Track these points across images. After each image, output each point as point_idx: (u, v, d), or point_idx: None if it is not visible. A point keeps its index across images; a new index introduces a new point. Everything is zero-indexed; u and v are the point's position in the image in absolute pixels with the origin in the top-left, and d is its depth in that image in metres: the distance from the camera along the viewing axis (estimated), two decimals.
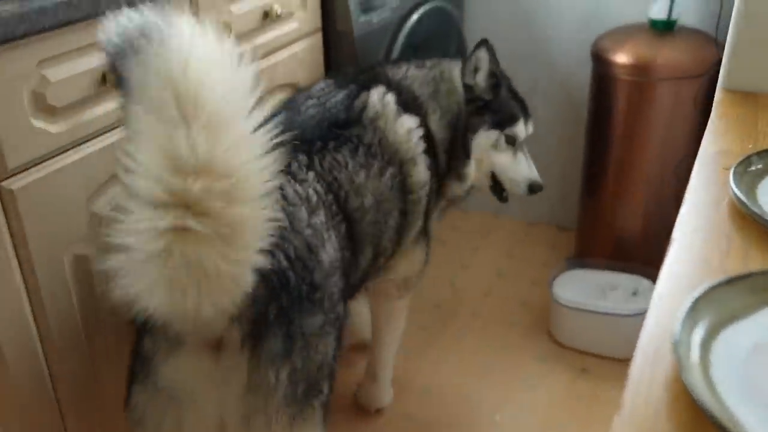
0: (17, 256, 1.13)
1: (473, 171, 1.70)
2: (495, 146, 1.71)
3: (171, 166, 0.88)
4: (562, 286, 2.13)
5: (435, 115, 1.63)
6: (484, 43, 1.67)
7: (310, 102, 1.48)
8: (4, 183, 1.10)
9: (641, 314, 2.01)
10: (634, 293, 2.08)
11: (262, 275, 1.01)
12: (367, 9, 1.92)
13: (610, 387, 1.94)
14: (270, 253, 1.00)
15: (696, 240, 0.85)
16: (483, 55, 1.66)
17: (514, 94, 1.74)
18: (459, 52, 2.34)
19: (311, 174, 1.29)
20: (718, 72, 1.95)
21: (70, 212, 1.21)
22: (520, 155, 1.75)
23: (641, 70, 2.02)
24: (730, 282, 0.73)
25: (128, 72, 0.90)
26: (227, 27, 1.54)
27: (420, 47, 2.08)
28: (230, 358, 1.07)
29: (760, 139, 1.06)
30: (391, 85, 1.55)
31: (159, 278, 0.91)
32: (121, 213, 0.91)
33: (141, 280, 0.92)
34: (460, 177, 1.69)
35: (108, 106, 1.24)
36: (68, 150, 1.20)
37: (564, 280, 2.17)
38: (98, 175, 1.24)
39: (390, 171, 1.47)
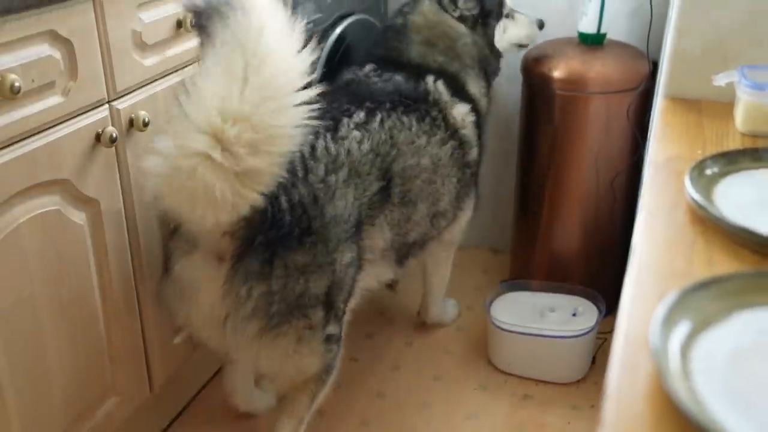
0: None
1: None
2: (504, 30, 2.01)
3: (219, 108, 1.19)
4: (499, 310, 2.14)
5: (472, 80, 1.94)
6: None
7: (375, 79, 1.81)
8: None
9: (581, 335, 2.05)
10: (574, 314, 2.12)
11: (259, 210, 1.32)
12: None
13: (554, 412, 1.96)
14: (275, 195, 1.33)
15: (658, 247, 0.86)
16: None
17: None
18: None
19: (356, 133, 1.58)
20: (650, 85, 2.07)
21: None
22: (517, 15, 2.05)
23: (573, 84, 2.07)
24: (701, 287, 0.74)
25: (210, 29, 1.21)
26: (136, 36, 1.49)
27: (343, 60, 2.08)
28: (222, 268, 1.39)
29: (709, 144, 1.09)
30: (433, 71, 1.86)
31: (179, 187, 1.24)
32: (169, 125, 1.25)
33: (165, 184, 1.25)
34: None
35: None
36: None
37: (501, 304, 2.18)
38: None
39: (451, 143, 1.80)
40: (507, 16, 2.04)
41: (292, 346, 1.46)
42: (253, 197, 1.27)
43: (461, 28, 1.95)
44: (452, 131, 1.82)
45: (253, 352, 1.46)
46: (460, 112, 1.87)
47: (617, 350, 0.70)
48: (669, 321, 0.69)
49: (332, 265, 1.48)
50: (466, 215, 2.01)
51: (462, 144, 1.86)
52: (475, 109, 1.92)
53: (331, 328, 1.52)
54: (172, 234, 1.50)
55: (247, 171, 1.23)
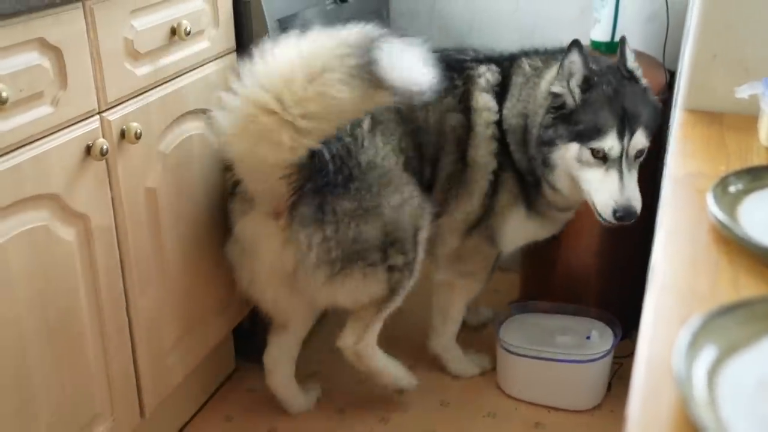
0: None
1: (563, 182, 1.83)
2: (579, 160, 1.76)
3: (286, 78, 1.54)
4: (509, 333, 2.14)
5: (510, 101, 1.89)
6: (575, 44, 1.73)
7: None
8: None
9: (596, 360, 2.05)
10: (588, 337, 2.11)
11: (307, 160, 1.61)
12: (286, 27, 1.90)
13: None
14: (321, 149, 1.64)
15: (680, 267, 0.86)
16: (575, 58, 1.74)
17: (614, 101, 1.73)
18: None
19: None
20: (667, 96, 2.07)
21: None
22: (613, 173, 1.73)
23: None
24: (727, 311, 0.73)
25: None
26: (128, 44, 1.50)
27: None
28: (279, 223, 1.69)
29: (732, 160, 1.09)
30: (502, 66, 1.93)
31: (244, 132, 1.56)
32: (236, 83, 1.57)
33: (231, 130, 1.58)
34: (548, 184, 1.87)
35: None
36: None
37: (511, 327, 2.17)
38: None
39: (458, 118, 1.90)
40: (599, 157, 1.76)
41: (359, 283, 1.77)
42: (309, 144, 1.58)
43: (545, 88, 1.88)
44: (467, 110, 1.92)
45: (324, 296, 1.78)
46: (480, 101, 1.90)
47: (639, 377, 0.70)
48: (694, 346, 0.69)
49: (378, 208, 1.73)
50: (470, 239, 2.02)
51: (470, 127, 1.92)
52: (499, 111, 1.92)
53: (394, 260, 1.78)
54: (231, 196, 1.77)
55: (306, 126, 1.55)
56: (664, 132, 2.07)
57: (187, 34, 1.63)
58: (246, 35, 1.85)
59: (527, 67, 1.91)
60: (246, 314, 2.08)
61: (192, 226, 1.78)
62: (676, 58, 2.09)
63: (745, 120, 1.19)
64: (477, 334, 2.37)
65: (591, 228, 2.21)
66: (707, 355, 0.69)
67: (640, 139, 1.74)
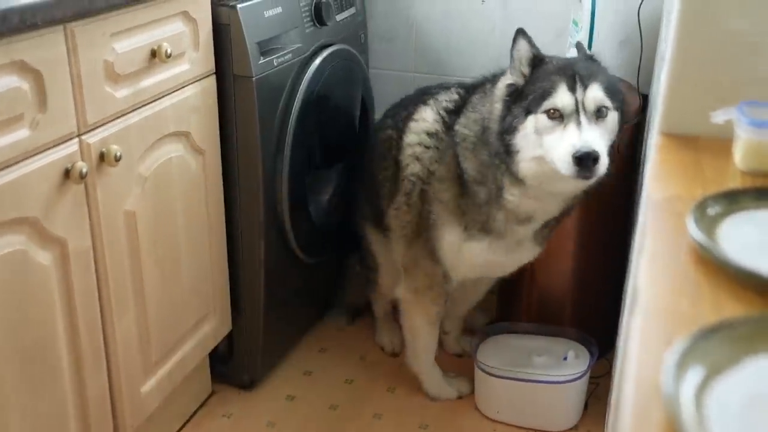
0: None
1: (529, 168, 1.72)
2: (538, 131, 1.68)
3: None
4: (486, 353, 2.15)
5: (464, 115, 1.92)
6: (519, 32, 1.76)
7: None
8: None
9: (573, 380, 2.07)
10: (565, 357, 2.13)
11: None
12: (266, 51, 1.92)
13: None
14: None
15: (663, 290, 0.88)
16: (521, 44, 1.76)
17: (563, 68, 1.71)
18: (363, 97, 2.40)
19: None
20: (641, 120, 2.11)
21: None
22: (571, 126, 1.64)
23: None
24: (711, 332, 0.75)
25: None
26: (108, 66, 1.50)
27: (323, 91, 2.11)
28: None
29: (709, 183, 1.12)
30: (467, 89, 1.99)
31: None
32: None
33: None
34: (514, 176, 1.77)
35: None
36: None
37: (488, 347, 2.19)
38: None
39: (392, 132, 2.08)
40: (555, 118, 1.70)
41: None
42: None
43: (498, 92, 1.91)
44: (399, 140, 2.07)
45: None
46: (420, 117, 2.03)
47: (628, 398, 0.71)
48: (681, 368, 0.70)
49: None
50: (399, 243, 2.10)
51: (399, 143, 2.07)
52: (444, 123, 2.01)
53: None
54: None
55: None
56: (638, 155, 2.11)
57: (168, 56, 1.64)
58: (226, 58, 1.86)
59: (488, 86, 1.90)
60: (222, 338, 2.08)
61: (170, 249, 1.78)
62: (649, 82, 2.14)
63: (720, 143, 1.22)
64: (455, 357, 2.38)
65: (566, 248, 2.24)
66: (694, 376, 0.71)
67: (596, 93, 1.66)
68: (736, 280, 0.88)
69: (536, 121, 1.68)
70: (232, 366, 2.18)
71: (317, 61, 2.09)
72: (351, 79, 2.34)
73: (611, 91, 1.70)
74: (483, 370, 2.10)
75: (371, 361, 2.36)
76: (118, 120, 1.56)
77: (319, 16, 2.10)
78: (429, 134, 1.98)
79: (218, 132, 1.91)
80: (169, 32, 1.67)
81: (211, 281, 1.97)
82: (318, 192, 2.25)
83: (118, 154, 1.52)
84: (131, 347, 1.69)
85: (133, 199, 1.62)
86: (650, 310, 0.84)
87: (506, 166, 1.77)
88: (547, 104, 1.67)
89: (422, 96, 2.07)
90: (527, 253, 2.00)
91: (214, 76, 1.86)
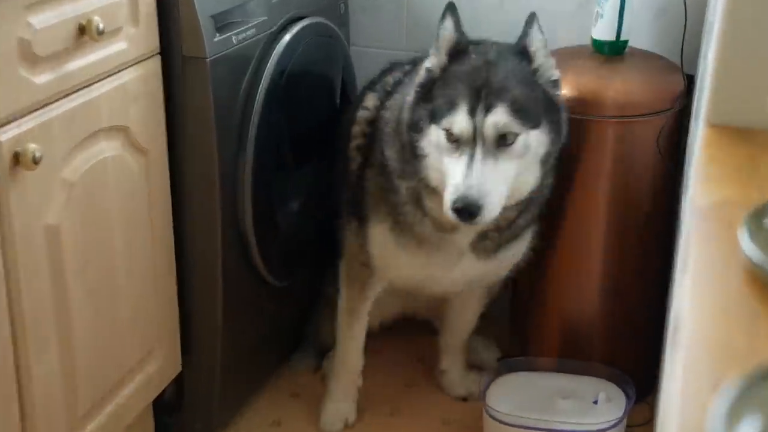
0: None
1: (437, 179, 1.84)
2: (438, 147, 1.82)
3: None
4: (498, 396, 2.14)
5: (393, 96, 2.04)
6: (449, 8, 1.84)
7: None
8: None
9: (606, 429, 2.06)
10: (595, 401, 2.12)
11: None
12: (223, 26, 1.91)
13: None
14: None
15: (711, 318, 0.87)
16: (447, 23, 1.85)
17: (477, 72, 1.81)
18: (344, 80, 2.40)
19: None
20: (685, 106, 2.11)
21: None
22: (463, 159, 1.77)
23: (587, 106, 2.11)
24: None
25: None
26: (24, 46, 1.49)
27: (294, 73, 2.11)
28: None
29: (767, 185, 1.12)
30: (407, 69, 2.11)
31: None
32: None
33: None
34: (424, 182, 1.90)
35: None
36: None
37: (500, 388, 2.18)
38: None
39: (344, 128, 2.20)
40: (452, 141, 1.84)
41: None
42: None
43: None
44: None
45: None
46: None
47: None
48: (733, 416, 0.69)
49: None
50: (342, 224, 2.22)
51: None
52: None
53: None
54: None
55: None
56: (682, 149, 2.11)
57: (100, 33, 1.62)
58: (173, 34, 1.86)
59: (420, 63, 1.99)
60: (170, 381, 2.06)
61: (104, 271, 1.76)
62: (695, 60, 2.14)
63: None
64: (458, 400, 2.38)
65: (595, 267, 2.24)
66: (749, 426, 0.70)
67: (500, 118, 1.77)
68: None
69: (438, 136, 1.83)
70: (181, 416, 2.16)
71: (287, 37, 2.09)
72: (328, 59, 2.33)
73: (528, 112, 1.80)
74: (493, 417, 2.09)
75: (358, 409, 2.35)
76: (38, 112, 1.54)
77: None
78: (369, 123, 2.10)
79: (164, 126, 1.90)
80: (101, 3, 1.65)
81: (156, 311, 1.96)
82: (289, 197, 2.24)
83: (37, 154, 1.50)
84: (53, 397, 1.67)
85: (57, 209, 1.61)
86: (695, 344, 0.83)
87: (414, 169, 1.89)
88: (445, 123, 1.80)
89: (381, 75, 2.20)
90: (472, 269, 2.07)
91: (158, 57, 1.86)
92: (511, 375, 2.23)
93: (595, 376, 2.19)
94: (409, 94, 1.93)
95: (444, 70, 1.86)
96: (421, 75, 1.90)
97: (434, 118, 1.82)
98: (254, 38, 1.99)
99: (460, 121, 1.77)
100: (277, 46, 2.06)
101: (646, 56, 2.25)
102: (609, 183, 2.16)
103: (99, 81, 1.69)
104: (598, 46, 2.22)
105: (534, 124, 1.81)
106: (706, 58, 1.51)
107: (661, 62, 2.21)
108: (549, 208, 2.24)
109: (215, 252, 2.02)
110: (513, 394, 2.16)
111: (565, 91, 2.12)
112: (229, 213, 2.02)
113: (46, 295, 1.62)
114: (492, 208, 1.76)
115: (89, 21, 1.61)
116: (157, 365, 1.98)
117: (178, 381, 2.10)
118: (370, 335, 2.31)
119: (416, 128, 1.86)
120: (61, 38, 1.58)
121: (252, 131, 2.01)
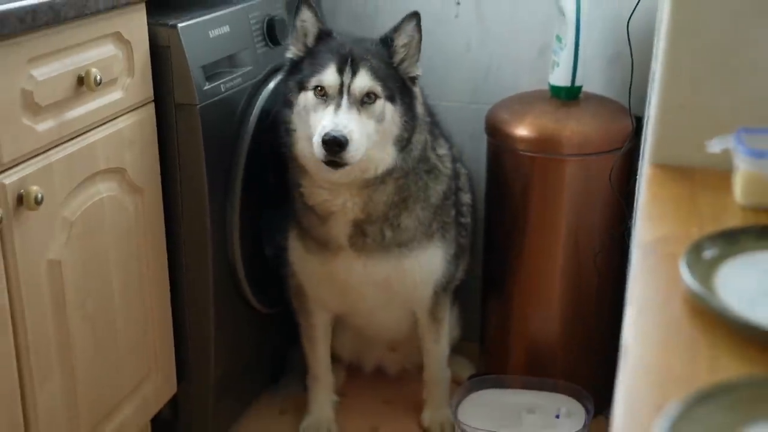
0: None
1: (306, 152, 1.87)
2: (306, 108, 1.86)
3: None
4: (467, 413, 2.13)
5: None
6: (304, 2, 1.87)
7: None
8: None
9: None
10: (557, 416, 2.11)
11: None
12: (212, 75, 1.91)
13: None
14: None
15: (652, 346, 0.87)
16: (306, 15, 1.89)
17: (341, 46, 1.88)
18: None
19: None
20: (634, 145, 2.12)
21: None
22: (330, 106, 1.82)
23: (546, 145, 2.12)
24: (708, 396, 0.73)
25: None
26: (27, 96, 1.47)
27: (278, 121, 2.08)
28: None
29: (706, 221, 1.11)
30: None
31: None
32: None
33: None
34: (296, 161, 1.94)
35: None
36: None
37: (469, 405, 2.17)
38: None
39: None
40: (322, 95, 1.88)
41: None
42: None
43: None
44: None
45: None
46: None
47: None
48: None
49: None
50: None
51: None
52: None
53: None
54: None
55: None
56: (631, 189, 2.11)
57: (98, 83, 1.62)
58: (166, 84, 1.85)
59: None
60: (166, 402, 2.03)
61: (103, 303, 1.74)
62: (643, 103, 2.14)
63: (718, 175, 1.22)
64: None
65: (555, 292, 2.23)
66: None
67: (364, 79, 1.84)
68: (737, 334, 0.86)
69: (306, 98, 1.87)
70: None
71: (271, 85, 2.09)
72: None
73: (384, 80, 1.87)
74: None
75: (341, 423, 2.32)
76: (39, 157, 1.53)
77: (272, 35, 2.10)
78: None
79: (158, 168, 1.89)
80: (98, 56, 1.66)
81: (152, 338, 1.94)
82: (274, 231, 2.22)
83: (39, 195, 1.49)
84: (56, 420, 1.64)
85: (58, 246, 1.59)
86: (638, 370, 0.82)
87: (287, 148, 1.94)
88: (315, 81, 1.85)
89: None
90: (364, 272, 2.02)
91: (152, 105, 1.85)
92: (481, 392, 2.22)
93: (557, 392, 2.18)
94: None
95: (310, 51, 1.92)
96: (286, 65, 1.97)
97: (303, 83, 1.87)
98: (241, 86, 2.00)
99: (329, 75, 1.83)
100: (262, 93, 2.07)
101: (599, 100, 2.25)
102: (566, 216, 2.16)
103: (97, 127, 1.68)
104: (555, 91, 2.23)
105: (391, 97, 1.87)
106: (651, 103, 1.51)
107: (613, 105, 2.22)
108: (510, 239, 2.24)
109: (206, 283, 2.00)
110: (482, 410, 2.15)
111: (527, 131, 2.13)
112: (219, 247, 2.01)
113: (49, 326, 1.60)
114: (357, 147, 1.77)
115: (88, 72, 1.61)
116: (153, 388, 1.96)
117: (174, 401, 2.08)
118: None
119: (287, 104, 1.91)
120: (61, 89, 1.57)
121: (240, 171, 2.01)
